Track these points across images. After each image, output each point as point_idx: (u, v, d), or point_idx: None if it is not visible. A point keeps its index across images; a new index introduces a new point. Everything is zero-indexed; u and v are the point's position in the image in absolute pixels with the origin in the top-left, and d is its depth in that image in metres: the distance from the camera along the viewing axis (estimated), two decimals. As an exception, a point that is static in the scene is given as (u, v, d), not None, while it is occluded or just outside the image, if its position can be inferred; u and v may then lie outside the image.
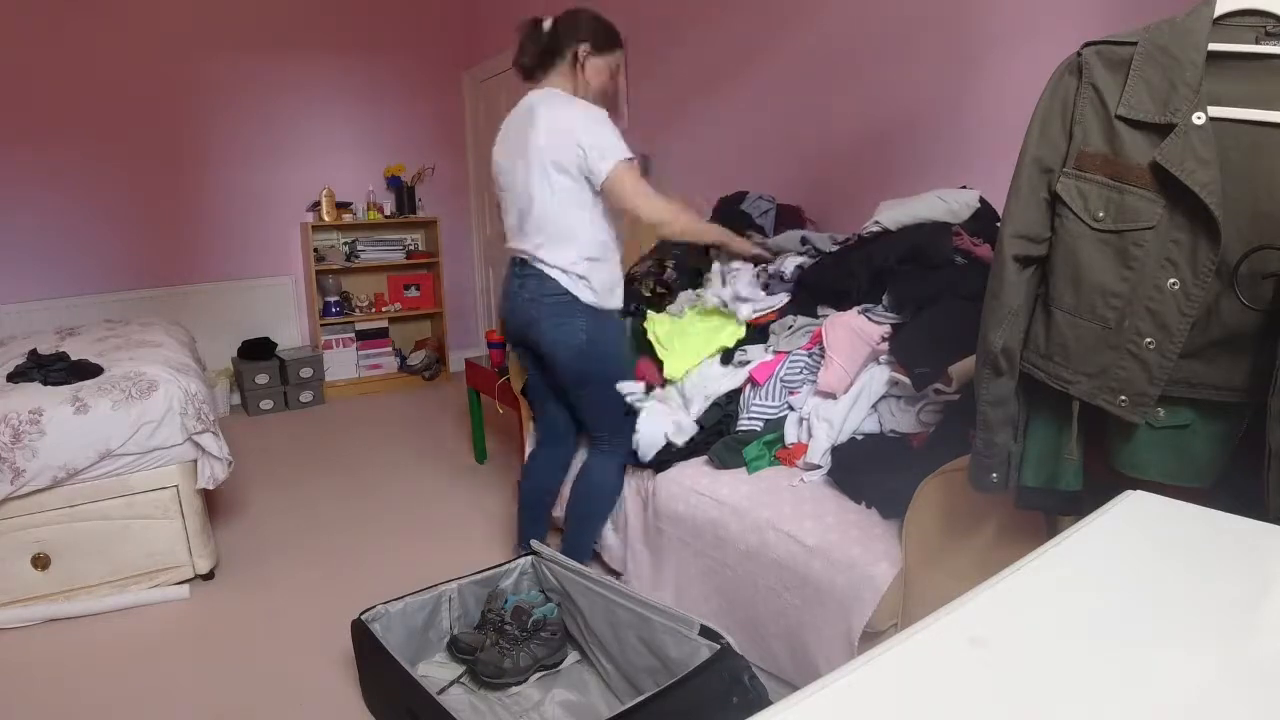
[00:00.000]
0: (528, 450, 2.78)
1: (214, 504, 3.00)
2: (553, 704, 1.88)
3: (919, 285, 2.02)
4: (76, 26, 4.16)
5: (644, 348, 2.51)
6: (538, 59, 2.14)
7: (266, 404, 4.57)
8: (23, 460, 2.28)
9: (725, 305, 2.41)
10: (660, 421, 2.21)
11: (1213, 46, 1.08)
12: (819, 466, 1.93)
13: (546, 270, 2.11)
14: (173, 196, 4.53)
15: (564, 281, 2.10)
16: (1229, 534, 0.80)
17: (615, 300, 2.19)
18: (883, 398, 1.99)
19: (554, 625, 1.98)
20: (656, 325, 2.52)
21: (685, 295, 2.62)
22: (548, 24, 2.13)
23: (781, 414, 2.16)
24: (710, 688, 1.54)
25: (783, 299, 2.38)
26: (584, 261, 2.09)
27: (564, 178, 2.04)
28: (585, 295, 2.10)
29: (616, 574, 2.30)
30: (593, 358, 2.16)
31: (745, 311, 2.34)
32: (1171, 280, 1.12)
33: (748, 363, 2.28)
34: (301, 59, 4.77)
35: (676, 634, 1.71)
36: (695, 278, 2.68)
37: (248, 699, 1.97)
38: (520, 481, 2.48)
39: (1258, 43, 1.08)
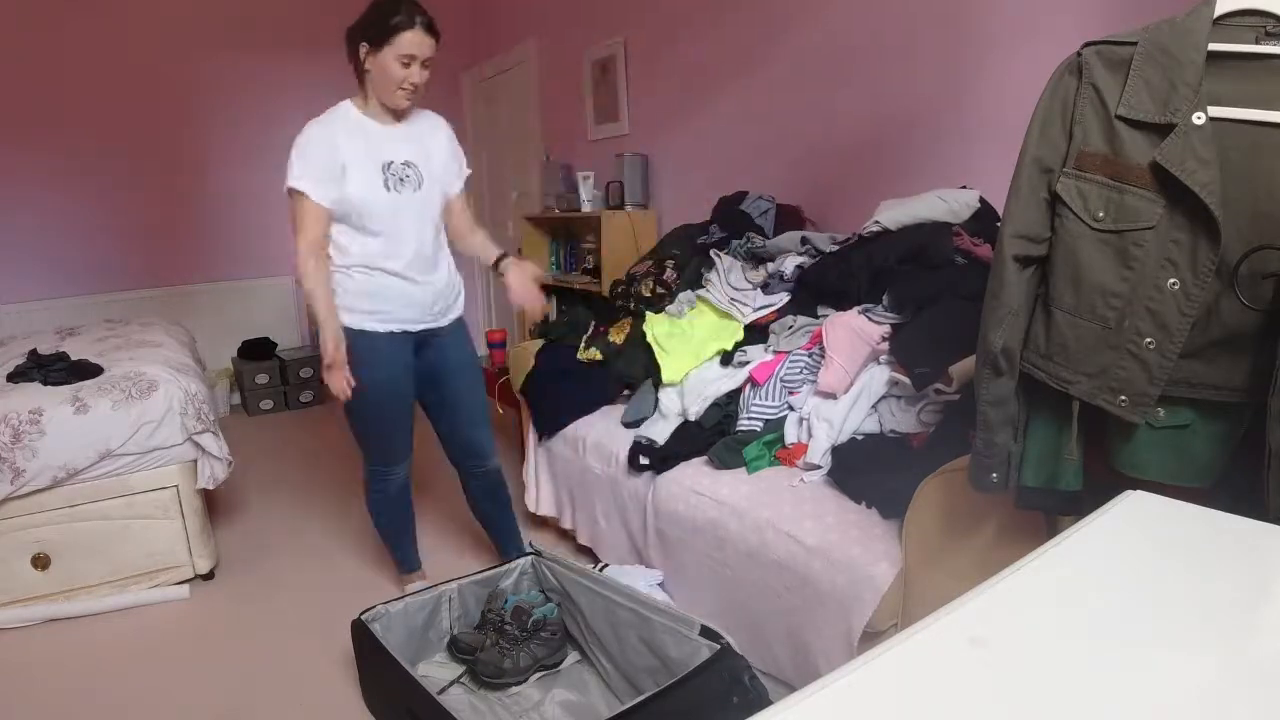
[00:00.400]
0: (529, 448, 2.78)
1: (214, 504, 3.00)
2: (553, 704, 1.88)
3: (919, 285, 2.02)
4: (76, 26, 4.16)
5: (644, 349, 2.52)
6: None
7: (266, 404, 4.57)
8: (23, 460, 2.28)
9: (728, 303, 2.41)
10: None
11: (1213, 46, 1.08)
12: (819, 466, 1.93)
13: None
14: (172, 196, 4.53)
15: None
16: (1229, 534, 0.80)
17: (352, 319, 2.02)
18: (883, 398, 1.99)
19: (554, 625, 1.98)
20: (655, 326, 2.52)
21: (685, 295, 2.62)
22: None
23: (781, 414, 2.16)
24: (710, 688, 1.54)
25: (783, 299, 2.39)
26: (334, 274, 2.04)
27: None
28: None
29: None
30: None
31: (745, 314, 2.34)
32: (1171, 280, 1.12)
33: (747, 363, 2.28)
34: (301, 59, 4.76)
35: (677, 634, 1.71)
36: (695, 278, 2.69)
37: (248, 699, 1.97)
38: None
39: (1258, 43, 1.08)
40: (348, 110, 2.03)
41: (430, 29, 1.94)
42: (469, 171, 2.25)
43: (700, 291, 2.59)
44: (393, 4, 1.90)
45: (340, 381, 1.96)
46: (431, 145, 2.11)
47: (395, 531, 2.38)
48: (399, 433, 2.20)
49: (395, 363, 2.10)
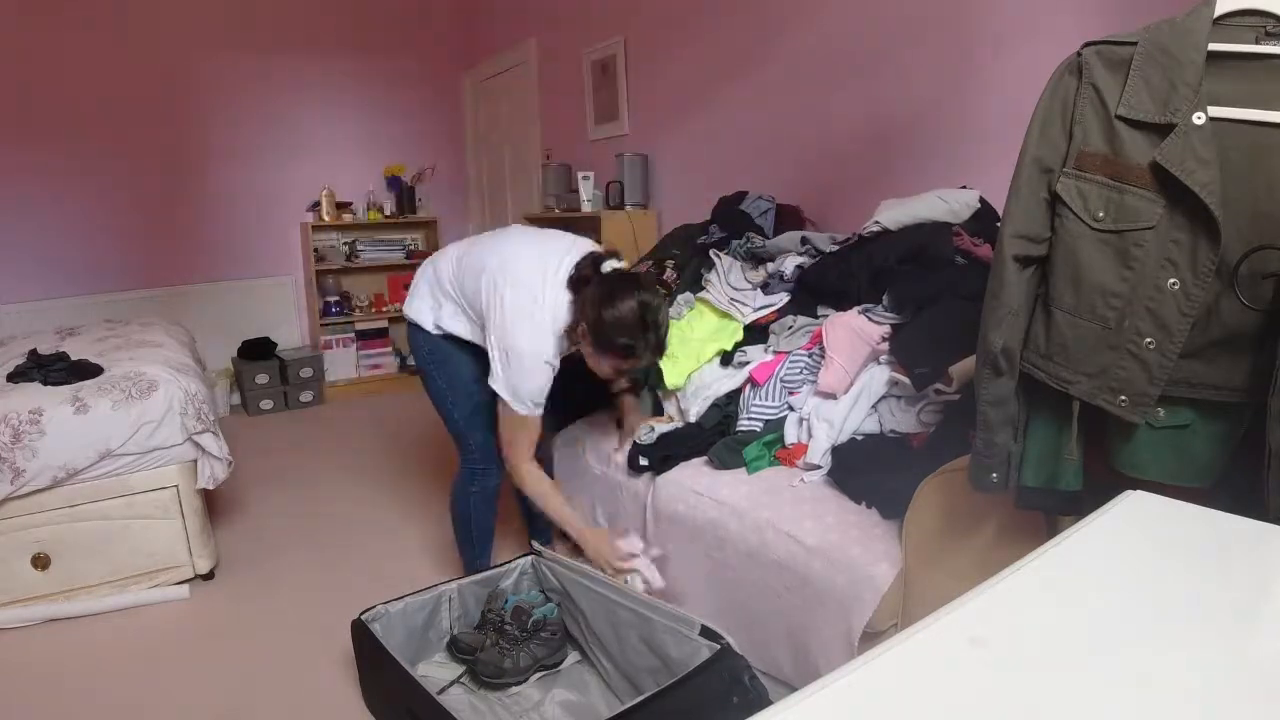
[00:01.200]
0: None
1: (214, 504, 3.00)
2: (553, 704, 1.88)
3: (919, 285, 2.02)
4: (77, 26, 4.16)
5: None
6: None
7: (266, 404, 4.57)
8: (23, 460, 2.28)
9: (727, 303, 2.41)
10: None
11: (1213, 46, 1.08)
12: (819, 467, 1.93)
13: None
14: (173, 196, 4.54)
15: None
16: (1229, 534, 0.80)
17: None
18: (883, 398, 1.99)
19: (554, 625, 1.98)
20: (656, 328, 2.52)
21: (684, 297, 2.61)
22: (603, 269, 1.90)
23: (781, 414, 2.16)
24: (710, 688, 1.54)
25: (783, 299, 2.38)
26: (431, 297, 2.10)
27: (470, 307, 2.01)
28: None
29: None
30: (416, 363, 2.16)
31: (745, 314, 2.34)
32: (1171, 280, 1.12)
33: (747, 363, 2.28)
34: (301, 59, 4.77)
35: (677, 634, 1.71)
36: (695, 278, 2.68)
37: (248, 699, 1.97)
38: None
39: (1258, 43, 1.08)
40: (553, 324, 1.92)
41: (660, 352, 1.91)
42: None
43: (700, 293, 2.59)
44: (638, 329, 1.81)
45: (648, 572, 1.93)
46: None
47: (486, 531, 2.32)
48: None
49: None
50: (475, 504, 2.25)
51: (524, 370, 1.91)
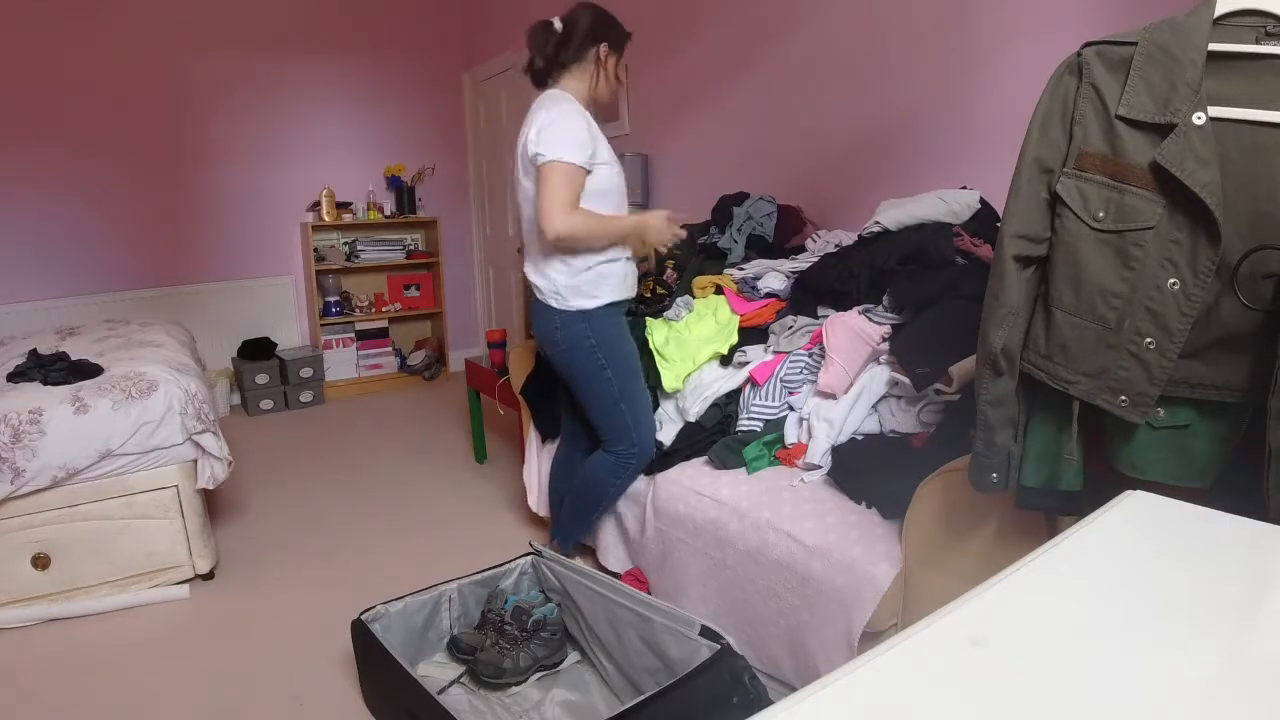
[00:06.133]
0: (530, 449, 2.78)
1: (214, 504, 3.00)
2: (553, 704, 1.88)
3: (919, 286, 2.02)
4: (76, 26, 4.16)
5: (644, 351, 2.51)
6: (550, 62, 2.09)
7: (266, 404, 4.57)
8: (23, 460, 2.28)
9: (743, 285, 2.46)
10: None
11: (1213, 46, 1.08)
12: (819, 467, 1.93)
13: (531, 275, 2.18)
14: (172, 196, 4.53)
15: (540, 283, 2.15)
16: (1229, 534, 0.80)
17: (592, 300, 2.10)
18: (883, 398, 1.99)
19: (554, 625, 1.98)
20: (654, 332, 2.52)
21: (683, 299, 2.61)
22: (559, 25, 2.07)
23: (781, 414, 2.16)
24: (711, 688, 1.54)
25: (784, 284, 2.42)
26: (552, 261, 2.09)
27: (531, 177, 2.04)
28: (553, 300, 2.12)
29: (616, 575, 2.30)
30: (572, 359, 2.15)
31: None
32: (1171, 280, 1.12)
33: (747, 363, 2.28)
34: (301, 59, 4.77)
35: (677, 634, 1.71)
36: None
37: (248, 699, 1.97)
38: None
39: (1258, 43, 1.08)
40: (574, 100, 2.08)
41: None
42: None
43: (701, 298, 2.59)
44: (617, 19, 2.12)
45: (670, 225, 2.16)
46: None
47: (600, 517, 2.37)
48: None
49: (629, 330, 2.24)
50: (612, 495, 2.28)
51: (558, 122, 1.96)
